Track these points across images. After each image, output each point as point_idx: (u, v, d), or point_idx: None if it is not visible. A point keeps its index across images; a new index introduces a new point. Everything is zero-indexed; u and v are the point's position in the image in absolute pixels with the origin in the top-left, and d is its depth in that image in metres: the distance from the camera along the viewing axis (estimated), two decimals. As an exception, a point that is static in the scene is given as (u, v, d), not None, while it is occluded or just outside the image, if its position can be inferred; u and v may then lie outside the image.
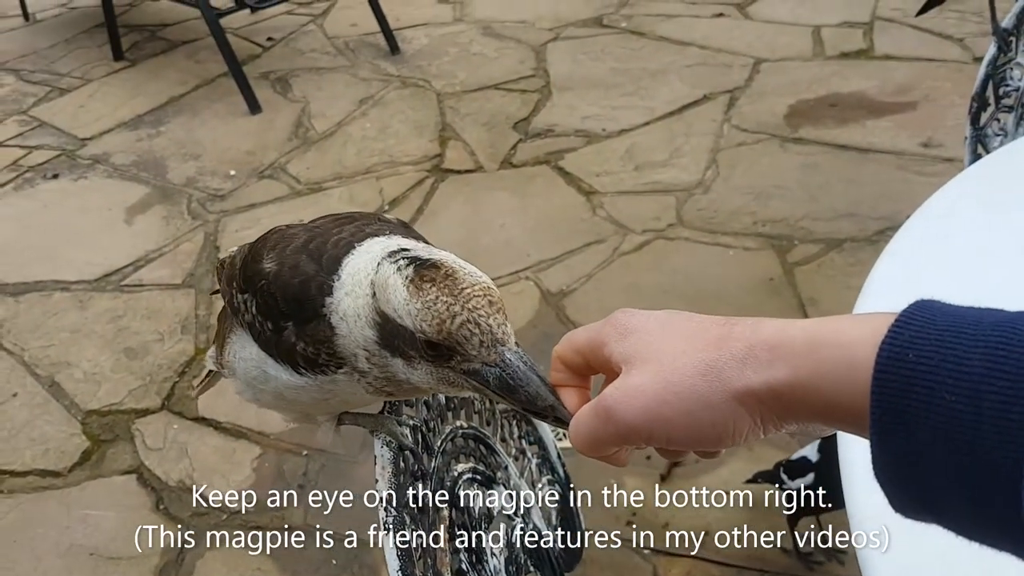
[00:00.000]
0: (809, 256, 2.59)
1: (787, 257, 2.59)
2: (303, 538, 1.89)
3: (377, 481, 0.69)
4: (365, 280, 0.65)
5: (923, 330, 0.43)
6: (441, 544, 0.73)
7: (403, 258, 0.63)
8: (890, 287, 1.05)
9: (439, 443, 0.81)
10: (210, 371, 0.95)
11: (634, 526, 1.88)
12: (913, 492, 0.43)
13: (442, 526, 0.75)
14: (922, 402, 0.41)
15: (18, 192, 3.14)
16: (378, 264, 0.64)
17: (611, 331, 0.55)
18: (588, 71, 3.76)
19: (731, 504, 1.89)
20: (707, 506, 1.89)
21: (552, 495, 1.09)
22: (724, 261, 2.61)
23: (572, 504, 1.14)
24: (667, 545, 1.84)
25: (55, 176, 3.22)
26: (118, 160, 3.29)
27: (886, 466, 0.43)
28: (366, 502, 0.70)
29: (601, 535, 1.83)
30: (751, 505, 1.89)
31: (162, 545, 1.91)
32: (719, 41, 3.91)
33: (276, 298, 0.70)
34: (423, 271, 0.61)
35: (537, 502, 1.02)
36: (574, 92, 3.60)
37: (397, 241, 0.68)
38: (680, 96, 3.50)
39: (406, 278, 0.61)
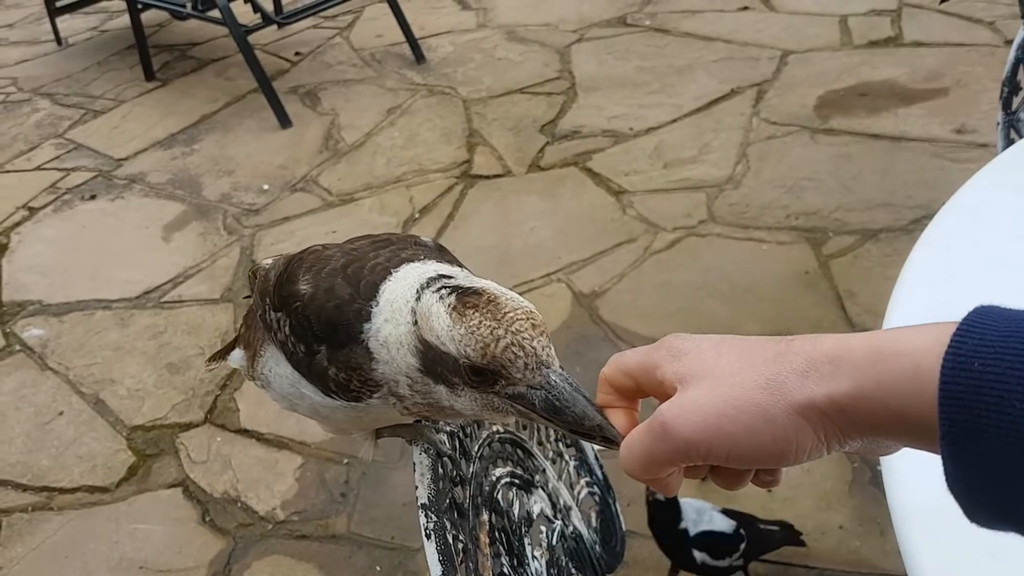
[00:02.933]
0: (844, 248, 2.56)
1: (822, 250, 2.57)
2: (347, 546, 1.92)
3: (417, 487, 0.70)
4: (405, 307, 0.65)
5: (986, 337, 0.42)
6: (482, 548, 0.74)
7: (445, 287, 0.63)
8: (926, 277, 1.04)
9: (476, 448, 0.82)
10: (217, 356, 0.94)
11: (676, 526, 1.87)
12: (989, 502, 0.43)
13: (483, 530, 0.75)
14: (992, 411, 0.40)
15: (57, 214, 3.21)
16: (418, 292, 0.64)
17: (664, 353, 0.54)
18: (613, 71, 3.76)
19: (774, 500, 1.88)
20: (750, 506, 1.87)
21: (592, 497, 1.09)
22: (758, 256, 2.59)
23: (612, 506, 1.14)
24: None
25: (93, 197, 3.28)
26: (154, 179, 3.35)
27: (959, 478, 0.43)
28: (407, 509, 0.71)
29: (644, 535, 1.83)
30: (794, 501, 1.87)
31: (210, 556, 1.94)
32: (745, 34, 3.88)
33: (311, 320, 0.71)
34: (465, 298, 0.61)
35: (576, 504, 1.03)
36: (600, 92, 3.59)
37: (433, 267, 0.68)
38: (707, 91, 3.48)
39: (449, 306, 0.61)
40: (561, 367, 0.60)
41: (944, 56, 3.46)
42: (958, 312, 0.44)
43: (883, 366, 0.45)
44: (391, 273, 0.68)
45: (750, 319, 2.35)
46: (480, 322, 0.59)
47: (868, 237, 2.58)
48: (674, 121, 3.33)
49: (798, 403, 0.47)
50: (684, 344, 0.54)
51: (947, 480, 0.43)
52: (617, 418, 0.57)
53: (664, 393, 0.53)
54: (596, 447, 1.09)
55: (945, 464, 0.43)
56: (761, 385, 0.48)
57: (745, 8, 4.15)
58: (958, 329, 0.43)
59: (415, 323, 0.63)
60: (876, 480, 1.88)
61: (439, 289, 0.63)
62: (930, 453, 0.45)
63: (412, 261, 0.69)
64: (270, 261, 0.84)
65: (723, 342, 0.53)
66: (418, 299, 0.64)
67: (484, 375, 0.60)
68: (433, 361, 0.63)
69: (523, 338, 0.59)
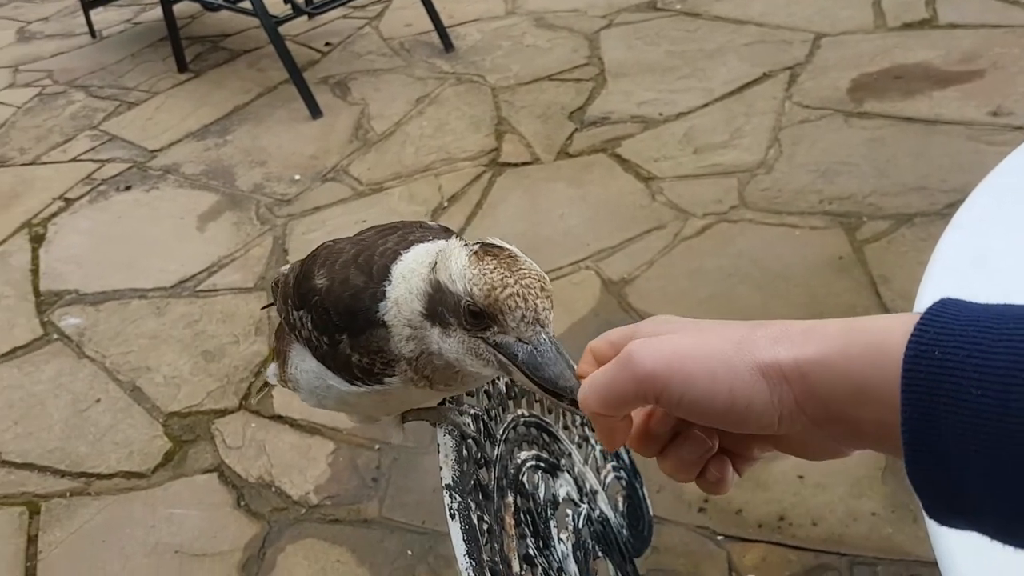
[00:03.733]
0: (879, 233, 2.52)
1: (856, 235, 2.53)
2: (379, 530, 1.94)
3: (441, 468, 0.71)
4: (421, 267, 0.68)
5: (947, 326, 0.43)
6: (507, 530, 0.74)
7: (474, 242, 0.66)
8: (957, 260, 1.03)
9: (501, 431, 0.82)
10: (267, 384, 0.99)
11: (707, 512, 1.87)
12: (946, 494, 0.43)
13: (508, 512, 0.76)
14: (950, 399, 0.41)
15: (93, 205, 3.27)
16: (438, 254, 0.67)
17: (648, 324, 0.56)
18: (643, 56, 3.73)
19: (807, 489, 1.86)
20: (782, 492, 1.86)
21: (618, 481, 1.10)
22: (791, 241, 2.56)
23: (639, 489, 1.14)
24: (741, 531, 1.82)
25: (128, 188, 3.33)
26: (188, 170, 3.40)
27: (918, 469, 0.43)
28: (438, 495, 0.72)
29: (673, 522, 1.83)
30: (826, 488, 1.86)
31: (245, 540, 1.97)
32: (777, 18, 3.83)
33: (329, 312, 0.74)
34: (488, 247, 0.65)
35: (603, 488, 1.03)
36: (629, 78, 3.57)
37: (443, 243, 0.70)
38: (739, 75, 3.45)
39: (471, 251, 0.64)
40: (553, 334, 0.62)
41: (980, 38, 3.39)
42: (990, 295, 0.44)
43: (851, 337, 0.46)
44: (400, 255, 0.71)
45: (782, 305, 2.32)
46: (494, 268, 0.62)
47: (903, 222, 2.54)
48: (705, 106, 3.30)
49: (763, 360, 0.48)
50: (671, 317, 0.56)
51: (907, 469, 0.44)
52: None
53: None
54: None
55: (905, 452, 0.43)
56: (733, 340, 0.49)
57: (777, -10, 4.09)
58: (921, 318, 0.44)
59: (432, 269, 0.66)
60: (909, 467, 1.86)
61: (466, 242, 0.67)
62: (883, 452, 0.45)
63: (421, 242, 0.73)
64: (287, 268, 0.87)
65: (707, 321, 0.54)
66: (440, 251, 0.67)
67: (480, 318, 0.62)
68: (437, 302, 0.66)
69: (529, 292, 0.61)
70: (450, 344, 0.66)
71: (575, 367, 0.60)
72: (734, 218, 2.69)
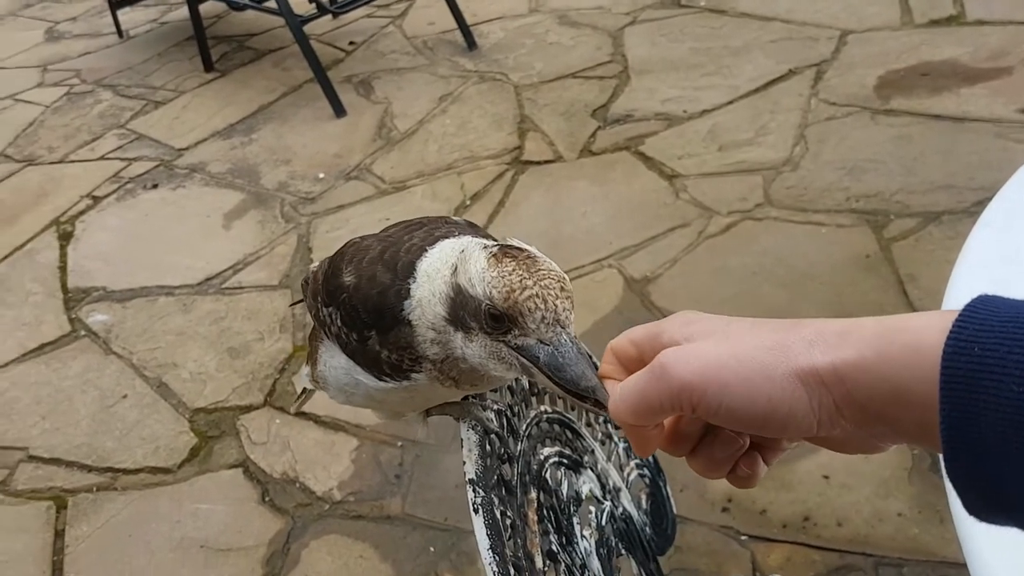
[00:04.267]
0: (906, 231, 2.49)
1: (883, 233, 2.51)
2: (402, 527, 1.95)
3: (464, 463, 0.71)
4: (444, 267, 0.68)
5: (986, 323, 0.42)
6: (530, 525, 0.74)
7: (493, 244, 0.66)
8: (986, 258, 1.01)
9: (524, 427, 0.82)
10: (304, 388, 1.00)
11: (731, 512, 1.85)
12: (986, 491, 0.42)
13: (531, 508, 0.76)
14: (990, 395, 0.40)
15: (120, 203, 3.30)
16: (461, 252, 0.67)
17: (672, 322, 0.55)
18: (667, 53, 3.71)
19: (832, 489, 1.85)
20: (807, 492, 1.85)
21: (642, 479, 1.09)
22: (817, 239, 2.54)
23: (663, 488, 1.13)
24: (765, 531, 1.81)
25: (155, 186, 3.37)
26: (214, 168, 3.43)
27: (958, 466, 0.42)
28: (460, 491, 0.72)
29: (697, 521, 1.82)
30: (851, 488, 1.84)
31: (269, 535, 1.98)
32: (803, 14, 3.80)
33: (358, 310, 0.74)
34: (507, 249, 0.64)
35: (626, 486, 1.02)
36: (653, 75, 3.56)
37: (467, 240, 0.70)
38: (764, 72, 3.42)
39: (490, 253, 0.64)
40: (574, 334, 0.61)
41: (1008, 35, 3.34)
42: (1019, 293, 0.44)
43: (888, 339, 0.45)
44: (426, 251, 0.71)
45: (809, 304, 2.30)
46: (513, 269, 0.62)
47: (930, 220, 2.51)
48: (730, 103, 3.28)
49: (800, 367, 0.47)
50: (695, 315, 0.54)
51: (946, 467, 0.43)
52: (612, 387, 0.57)
53: None
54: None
55: (944, 450, 0.43)
56: (767, 346, 0.48)
57: (803, -13, 4.06)
58: (960, 314, 0.43)
59: (453, 272, 0.66)
60: (936, 467, 1.84)
61: (485, 244, 0.66)
62: (923, 448, 0.44)
63: (447, 238, 0.72)
64: (316, 265, 0.87)
65: (736, 318, 0.53)
66: (461, 253, 0.67)
67: (501, 321, 0.62)
68: (458, 306, 0.65)
69: (548, 293, 0.61)
70: (473, 349, 0.65)
71: (598, 366, 0.59)
72: (759, 216, 2.67)
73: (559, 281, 0.62)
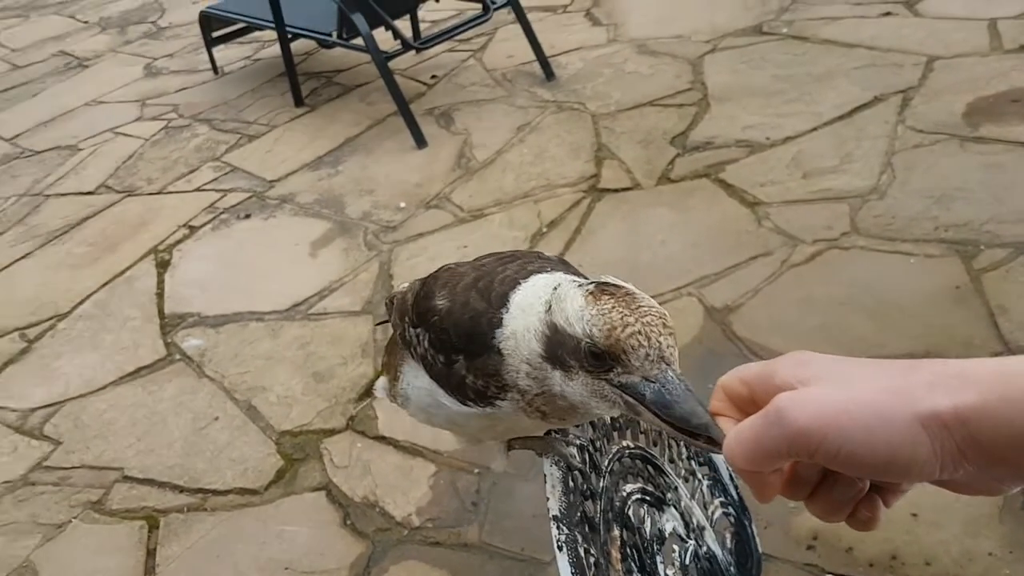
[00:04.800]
0: (997, 261, 2.41)
1: (973, 263, 2.42)
2: (479, 555, 1.96)
3: (548, 499, 0.71)
4: (538, 302, 0.68)
5: None
6: (614, 564, 0.74)
7: (587, 282, 0.66)
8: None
9: (607, 463, 0.83)
10: (372, 395, 1.02)
11: (816, 550, 1.81)
12: None
13: (614, 546, 0.76)
14: None
15: (215, 232, 3.44)
16: (557, 285, 0.67)
17: (786, 362, 0.54)
18: (748, 80, 3.68)
19: (919, 525, 1.79)
20: (894, 530, 1.79)
21: (726, 517, 1.08)
22: (905, 270, 2.47)
23: (747, 526, 1.11)
24: (851, 569, 1.76)
25: (247, 216, 3.50)
26: (302, 199, 3.54)
27: None
28: (537, 521, 0.72)
29: (781, 559, 1.78)
30: (940, 526, 1.78)
31: (351, 559, 2.02)
32: (888, 41, 3.73)
33: (449, 333, 0.75)
34: (604, 286, 0.64)
35: (710, 524, 1.02)
36: (734, 102, 3.53)
37: (560, 276, 0.70)
38: (849, 99, 3.36)
39: (587, 291, 0.64)
40: (680, 371, 0.61)
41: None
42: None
43: (1011, 383, 0.45)
44: (519, 283, 0.72)
45: (897, 336, 2.24)
46: (613, 307, 0.61)
47: (1022, 250, 2.42)
48: (813, 130, 3.23)
49: (922, 411, 0.46)
50: (809, 356, 0.53)
51: None
52: (726, 426, 0.57)
53: None
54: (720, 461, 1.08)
55: None
56: (886, 388, 0.48)
57: (888, 14, 3.98)
58: None
59: (548, 310, 0.66)
60: (1036, 510, 1.76)
61: (580, 282, 0.66)
62: None
63: (540, 272, 0.73)
64: (406, 285, 0.89)
65: (850, 359, 0.52)
66: (555, 291, 0.66)
67: (602, 360, 0.61)
68: (556, 344, 0.65)
69: (651, 330, 0.60)
70: (574, 387, 0.65)
71: (706, 404, 0.59)
72: (845, 245, 2.62)
73: (660, 317, 0.62)
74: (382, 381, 0.95)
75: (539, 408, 0.71)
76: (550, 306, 0.66)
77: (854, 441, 0.47)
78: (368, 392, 2.47)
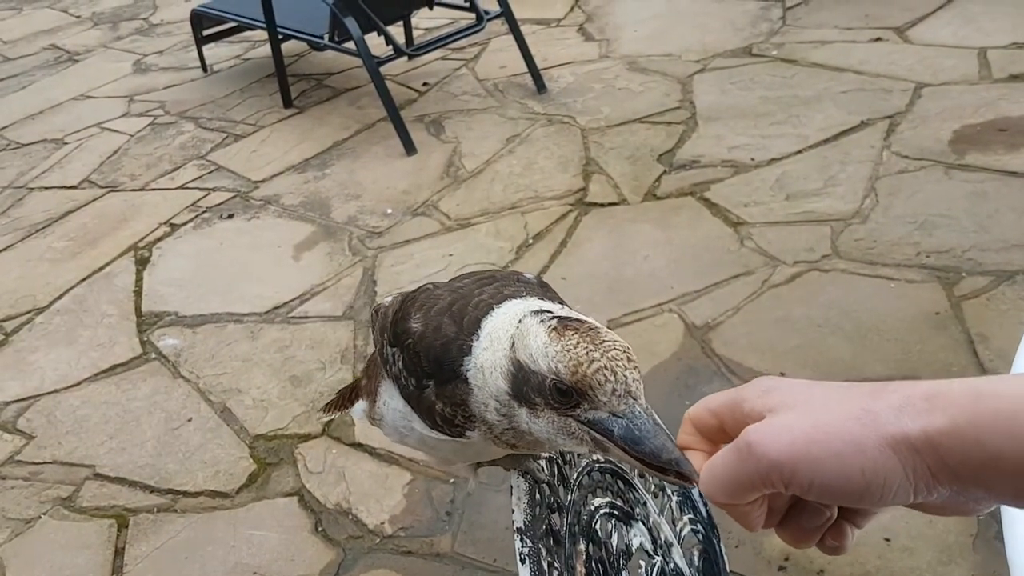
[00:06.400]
0: (978, 289, 2.42)
1: (954, 290, 2.44)
2: (451, 565, 1.95)
3: (513, 511, 0.71)
4: (504, 336, 0.67)
5: None
6: (578, 577, 0.74)
7: (549, 316, 0.65)
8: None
9: (575, 476, 0.82)
10: (332, 407, 1.01)
11: (787, 571, 1.81)
12: None
13: (579, 560, 0.76)
14: None
15: (197, 231, 3.42)
16: (520, 320, 0.66)
17: (752, 390, 0.54)
18: (736, 101, 3.70)
19: (891, 551, 1.79)
20: (867, 555, 1.79)
21: (695, 535, 1.08)
22: (885, 294, 2.49)
23: (716, 544, 1.11)
24: (822, 592, 1.76)
25: (230, 216, 3.48)
26: (287, 201, 3.52)
27: None
28: (510, 533, 0.72)
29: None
30: (913, 552, 1.78)
31: (320, 566, 2.00)
32: (877, 66, 3.76)
33: (420, 357, 0.74)
34: (567, 322, 0.63)
35: (678, 541, 1.01)
36: (721, 122, 3.55)
37: (535, 303, 0.70)
38: (835, 123, 3.39)
39: (549, 327, 0.63)
40: (647, 405, 0.60)
41: (1096, 89, 3.25)
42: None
43: (981, 405, 0.44)
44: (493, 309, 0.71)
45: (874, 360, 2.25)
46: (577, 343, 0.60)
47: (1003, 279, 2.44)
48: (799, 152, 3.25)
49: (891, 436, 0.46)
50: (774, 382, 0.53)
51: None
52: (696, 459, 0.56)
53: None
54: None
55: None
56: (854, 415, 0.47)
57: (878, 39, 4.02)
58: None
59: (512, 346, 0.65)
60: (1002, 534, 1.76)
61: (542, 317, 0.65)
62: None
63: (514, 297, 0.72)
64: (390, 299, 0.88)
65: (816, 383, 0.52)
66: (518, 325, 0.65)
67: (568, 396, 0.61)
68: (521, 382, 0.64)
69: (617, 365, 0.59)
70: (540, 424, 0.64)
71: (674, 438, 0.58)
72: (826, 267, 2.63)
73: (625, 351, 0.61)
74: (361, 404, 0.94)
75: (508, 442, 0.70)
76: (513, 343, 0.65)
77: (825, 470, 0.47)
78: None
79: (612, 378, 0.59)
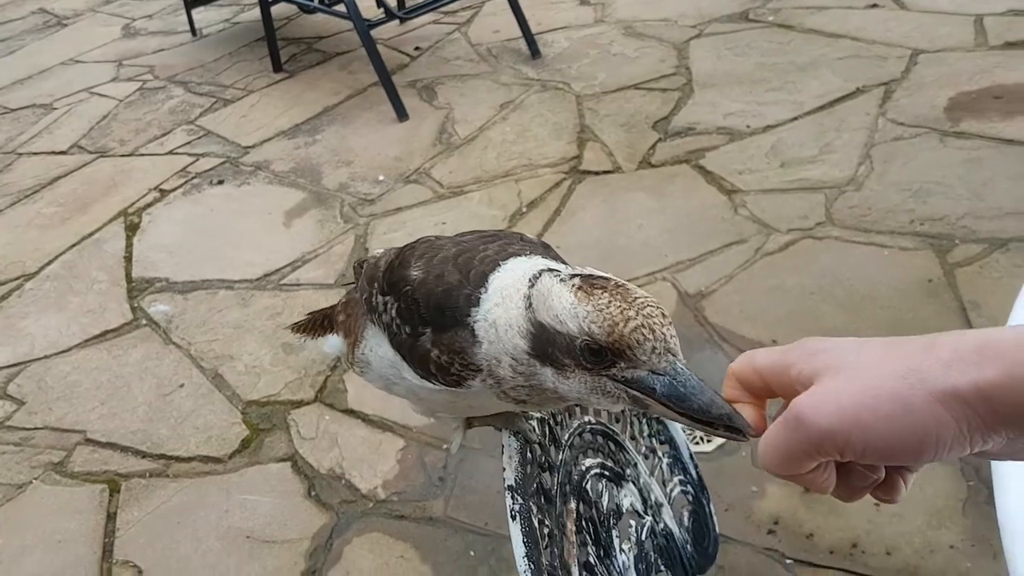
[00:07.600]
0: (971, 256, 2.42)
1: (947, 257, 2.44)
2: (443, 529, 1.96)
3: (504, 469, 0.71)
4: (517, 294, 0.65)
5: None
6: (568, 536, 0.74)
7: (569, 275, 0.64)
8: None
9: (567, 437, 0.82)
10: (301, 330, 1.00)
11: (777, 535, 1.82)
12: None
13: (569, 518, 0.76)
14: None
15: (187, 197, 3.39)
16: (532, 280, 0.65)
17: (799, 352, 0.53)
18: (732, 67, 3.67)
19: (881, 515, 1.80)
20: (857, 518, 1.81)
21: (684, 496, 1.08)
22: (878, 261, 2.49)
23: (706, 505, 1.12)
24: (811, 556, 1.77)
25: (220, 182, 3.45)
26: (278, 167, 3.49)
27: None
28: (502, 497, 0.72)
29: (741, 542, 1.79)
30: (903, 517, 1.79)
31: (313, 530, 2.01)
32: (873, 33, 3.73)
33: (419, 304, 0.73)
34: (592, 280, 0.61)
35: (668, 502, 1.01)
36: (717, 89, 3.52)
37: (541, 261, 0.69)
38: (831, 90, 3.36)
39: (574, 286, 0.61)
40: (685, 361, 0.59)
41: (1092, 57, 3.23)
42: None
43: None
44: (500, 265, 0.70)
45: (867, 327, 2.25)
46: (610, 302, 0.59)
47: (997, 246, 2.44)
48: (794, 119, 3.23)
49: (939, 392, 0.46)
50: (821, 344, 0.53)
51: None
52: (746, 412, 0.56)
53: (796, 394, 0.52)
54: (693, 449, 1.08)
55: None
56: (901, 374, 0.47)
57: (874, 6, 3.98)
58: None
59: (528, 307, 0.64)
60: (992, 499, 1.78)
61: (558, 275, 0.63)
62: None
63: (519, 255, 0.71)
64: (379, 252, 0.87)
65: (865, 341, 0.51)
66: (532, 285, 0.64)
67: (602, 356, 0.59)
68: (545, 342, 0.63)
69: (654, 323, 0.58)
70: (570, 384, 0.62)
71: (720, 393, 0.58)
72: (820, 235, 2.63)
73: (659, 308, 0.60)
74: (336, 339, 0.93)
75: (517, 397, 0.69)
76: (531, 303, 0.64)
77: (878, 435, 0.47)
78: (338, 367, 2.45)
79: (651, 336, 0.58)
